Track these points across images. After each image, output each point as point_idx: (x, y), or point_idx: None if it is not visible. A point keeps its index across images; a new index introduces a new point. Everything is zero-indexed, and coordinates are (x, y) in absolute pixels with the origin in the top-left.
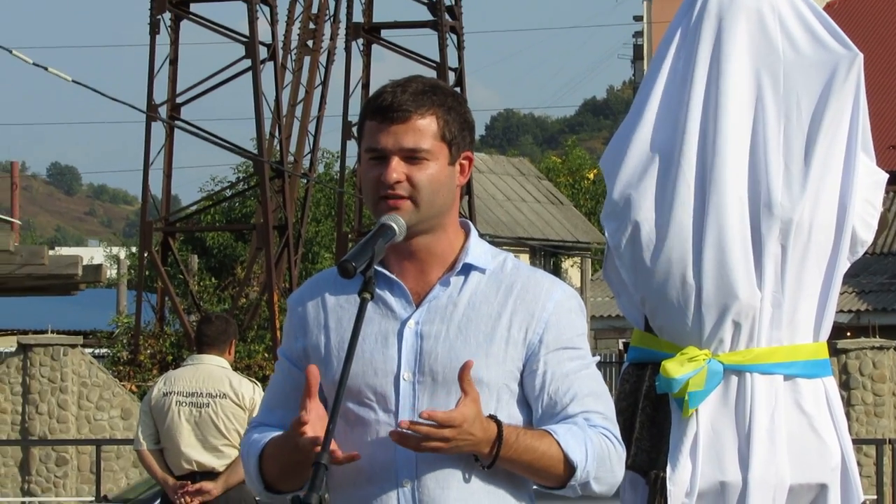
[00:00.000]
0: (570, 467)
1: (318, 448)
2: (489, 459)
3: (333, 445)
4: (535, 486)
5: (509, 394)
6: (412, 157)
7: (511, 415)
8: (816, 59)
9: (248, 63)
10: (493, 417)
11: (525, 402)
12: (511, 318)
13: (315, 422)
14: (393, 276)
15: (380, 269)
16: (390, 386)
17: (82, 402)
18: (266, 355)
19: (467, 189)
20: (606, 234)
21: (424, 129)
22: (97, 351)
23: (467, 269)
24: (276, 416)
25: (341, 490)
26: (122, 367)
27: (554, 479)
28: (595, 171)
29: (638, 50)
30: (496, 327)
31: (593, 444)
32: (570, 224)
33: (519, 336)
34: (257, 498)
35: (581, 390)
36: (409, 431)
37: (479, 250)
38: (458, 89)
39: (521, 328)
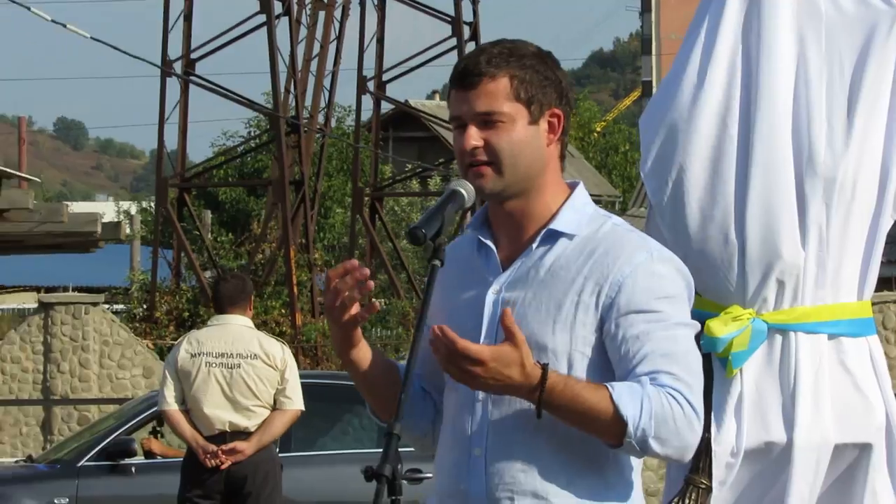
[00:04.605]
0: (621, 422)
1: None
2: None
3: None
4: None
5: (583, 360)
6: (488, 121)
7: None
8: (858, 15)
9: (262, 18)
10: (541, 364)
11: (611, 370)
12: (584, 283)
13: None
14: (487, 242)
15: (476, 232)
16: None
17: (104, 361)
18: (283, 311)
19: None
20: (648, 192)
21: (496, 91)
22: (113, 307)
23: (553, 236)
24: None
25: (436, 452)
26: (138, 324)
27: (607, 435)
28: (603, 123)
29: (646, 2)
30: (567, 292)
31: (651, 402)
32: (580, 177)
33: (591, 300)
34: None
35: (654, 351)
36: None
37: (571, 215)
38: (472, 44)
39: (593, 292)
